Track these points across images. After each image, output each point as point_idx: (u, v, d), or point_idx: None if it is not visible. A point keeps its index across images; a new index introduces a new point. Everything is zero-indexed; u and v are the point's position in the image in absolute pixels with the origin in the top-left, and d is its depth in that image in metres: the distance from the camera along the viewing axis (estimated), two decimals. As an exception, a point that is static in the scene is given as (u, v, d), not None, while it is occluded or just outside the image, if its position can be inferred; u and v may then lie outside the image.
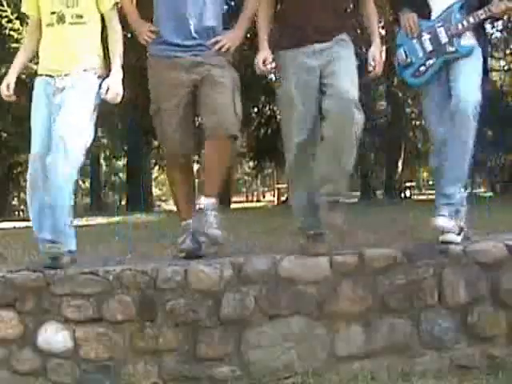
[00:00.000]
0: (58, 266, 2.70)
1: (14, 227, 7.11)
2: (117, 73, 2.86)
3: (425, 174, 27.57)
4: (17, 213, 21.13)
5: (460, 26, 2.92)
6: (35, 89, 2.90)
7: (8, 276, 2.66)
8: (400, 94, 14.16)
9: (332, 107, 2.68)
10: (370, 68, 2.88)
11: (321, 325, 2.65)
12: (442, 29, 2.95)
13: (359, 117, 2.67)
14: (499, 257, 2.73)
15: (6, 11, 8.86)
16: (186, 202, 3.05)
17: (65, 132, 2.70)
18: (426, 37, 2.98)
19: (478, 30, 2.98)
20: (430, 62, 2.97)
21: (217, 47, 2.91)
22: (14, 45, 9.03)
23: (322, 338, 2.64)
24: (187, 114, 2.96)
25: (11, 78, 2.93)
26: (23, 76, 10.10)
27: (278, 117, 13.91)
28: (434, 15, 2.99)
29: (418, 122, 16.51)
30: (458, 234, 2.90)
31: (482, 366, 2.65)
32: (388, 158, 15.81)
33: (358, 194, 15.48)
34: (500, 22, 13.58)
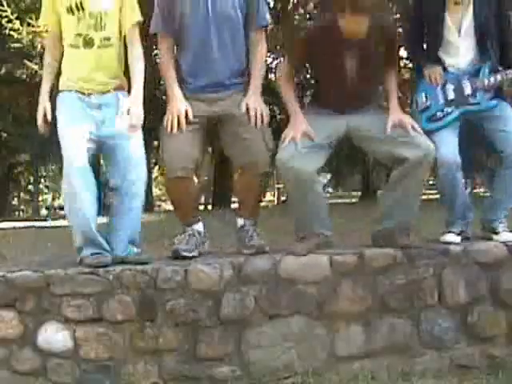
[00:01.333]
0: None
1: (14, 227, 7.11)
2: (138, 95, 2.81)
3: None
4: (17, 213, 21.13)
5: (486, 82, 2.91)
6: (65, 100, 2.80)
7: (8, 276, 2.66)
8: (400, 94, 14.16)
9: None
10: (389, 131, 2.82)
11: (321, 325, 2.65)
12: (467, 81, 2.94)
13: None
14: (499, 257, 2.73)
15: (6, 11, 8.84)
16: (189, 212, 2.99)
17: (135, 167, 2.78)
18: (449, 86, 2.96)
19: (497, 90, 2.95)
20: (449, 109, 2.94)
21: (252, 121, 2.87)
22: (14, 45, 9.03)
23: (322, 338, 2.64)
24: (198, 141, 2.89)
25: (46, 103, 2.83)
26: (23, 76, 10.13)
27: (278, 117, 13.93)
28: (451, 68, 2.97)
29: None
30: (459, 235, 2.91)
31: (482, 366, 2.66)
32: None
33: (359, 194, 15.47)
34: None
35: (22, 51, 9.16)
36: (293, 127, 2.85)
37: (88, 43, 2.77)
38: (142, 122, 2.83)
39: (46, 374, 2.62)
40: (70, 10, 2.77)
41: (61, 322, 2.62)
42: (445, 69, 2.99)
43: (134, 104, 2.79)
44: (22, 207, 24.02)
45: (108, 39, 2.79)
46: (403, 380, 2.58)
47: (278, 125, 13.68)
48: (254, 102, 2.90)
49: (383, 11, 2.97)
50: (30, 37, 8.68)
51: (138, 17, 2.87)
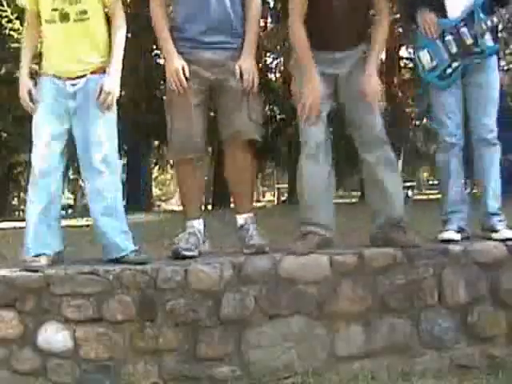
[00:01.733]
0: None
1: (14, 227, 7.10)
2: (114, 71, 2.81)
3: (425, 174, 27.56)
4: (17, 213, 21.11)
5: (484, 26, 2.89)
6: (42, 88, 2.83)
7: (8, 276, 2.66)
8: (400, 94, 14.15)
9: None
10: (366, 91, 2.84)
11: (321, 325, 2.65)
12: (465, 29, 2.91)
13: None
14: (499, 257, 2.73)
15: (6, 11, 8.85)
16: (194, 201, 2.99)
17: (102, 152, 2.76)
18: (449, 37, 2.94)
19: (494, 31, 2.97)
20: (455, 64, 2.93)
21: (245, 85, 2.85)
22: (14, 45, 9.02)
23: (322, 338, 2.64)
24: (201, 113, 2.87)
25: (28, 83, 2.86)
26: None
27: (278, 117, 13.92)
28: (450, 14, 2.95)
29: (418, 122, 16.51)
30: (458, 232, 2.91)
31: (482, 366, 2.66)
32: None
33: (358, 194, 15.47)
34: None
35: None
36: (311, 93, 2.80)
37: (64, 17, 2.75)
38: (115, 97, 2.80)
39: (46, 374, 2.62)
40: None
41: (61, 322, 2.61)
42: (438, 15, 2.95)
43: (106, 82, 2.78)
44: (22, 207, 23.99)
45: (84, 12, 2.76)
46: (403, 380, 2.57)
47: (278, 125, 13.67)
48: (249, 65, 2.88)
49: None
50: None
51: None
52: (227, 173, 3.01)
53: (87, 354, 2.60)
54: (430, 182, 23.87)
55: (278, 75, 13.80)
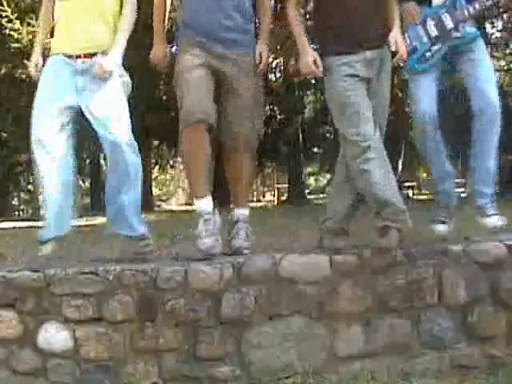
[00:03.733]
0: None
1: (14, 227, 7.11)
2: (115, 49, 2.82)
3: (425, 174, 27.57)
4: (17, 213, 21.11)
5: (466, 12, 2.90)
6: (50, 66, 2.82)
7: (8, 276, 2.66)
8: (400, 94, 14.15)
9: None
10: (393, 48, 2.80)
11: (321, 325, 2.65)
12: (446, 14, 2.93)
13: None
14: (499, 257, 2.73)
15: (6, 11, 8.85)
16: (202, 175, 2.91)
17: (112, 128, 2.77)
18: (430, 22, 2.96)
19: (479, 20, 2.98)
20: (435, 47, 2.95)
21: (261, 66, 2.94)
22: (14, 45, 9.03)
23: (322, 338, 2.64)
24: (209, 86, 2.85)
25: (38, 57, 2.88)
26: (23, 76, 10.12)
27: (278, 117, 13.93)
28: (436, 1, 2.97)
29: (417, 122, 16.48)
30: (443, 223, 3.00)
31: (482, 366, 2.66)
32: (388, 157, 15.79)
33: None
34: (500, 22, 13.61)
35: (22, 51, 9.16)
36: (305, 67, 2.79)
37: None
38: (113, 69, 2.81)
39: (46, 374, 2.62)
40: None
41: (61, 322, 2.61)
42: (421, 2, 2.97)
43: (105, 58, 2.78)
44: (22, 207, 24.02)
45: None
46: (403, 380, 2.57)
47: (278, 125, 13.63)
48: (266, 52, 3.00)
49: None
50: (30, 37, 8.68)
51: None
52: (226, 172, 3.03)
53: (87, 354, 2.60)
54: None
55: (278, 75, 13.81)
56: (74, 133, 2.87)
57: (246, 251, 2.90)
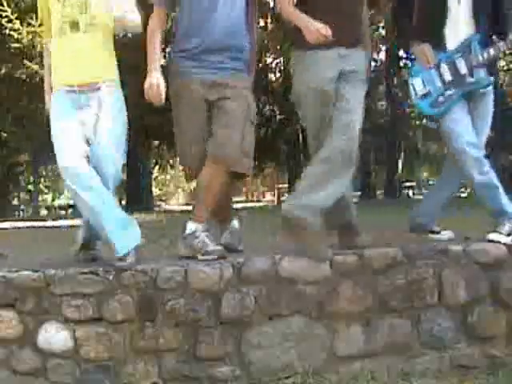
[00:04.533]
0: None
1: (14, 227, 7.11)
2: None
3: (425, 174, 27.59)
4: (17, 213, 21.12)
5: (480, 58, 2.90)
6: (56, 103, 2.81)
7: (8, 276, 2.66)
8: (400, 94, 14.16)
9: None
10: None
11: (321, 325, 2.65)
12: (461, 60, 2.92)
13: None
14: (499, 257, 2.73)
15: (6, 11, 8.85)
16: (211, 207, 2.87)
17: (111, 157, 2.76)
18: (444, 67, 2.95)
19: (492, 66, 2.98)
20: (449, 92, 2.93)
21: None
22: (14, 45, 9.03)
23: (322, 338, 2.64)
24: (205, 130, 2.86)
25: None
26: (23, 76, 10.12)
27: (278, 117, 13.93)
28: (450, 46, 2.96)
29: (417, 122, 16.52)
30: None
31: (482, 366, 2.66)
32: (388, 157, 15.82)
33: (358, 193, 15.48)
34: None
35: (22, 51, 9.16)
36: (312, 28, 2.69)
37: (73, 26, 2.75)
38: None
39: (46, 374, 2.62)
40: None
41: (61, 322, 2.61)
42: (435, 46, 2.96)
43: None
44: (22, 207, 24.04)
45: (93, 25, 2.76)
46: (403, 380, 2.58)
47: (278, 125, 13.63)
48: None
49: None
50: (30, 37, 8.69)
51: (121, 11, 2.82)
52: (197, 183, 2.93)
53: (87, 354, 2.60)
54: (430, 182, 23.88)
55: (278, 75, 13.81)
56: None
57: (222, 253, 2.79)
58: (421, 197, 16.70)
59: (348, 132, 2.70)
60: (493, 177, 2.90)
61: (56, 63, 2.84)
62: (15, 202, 22.32)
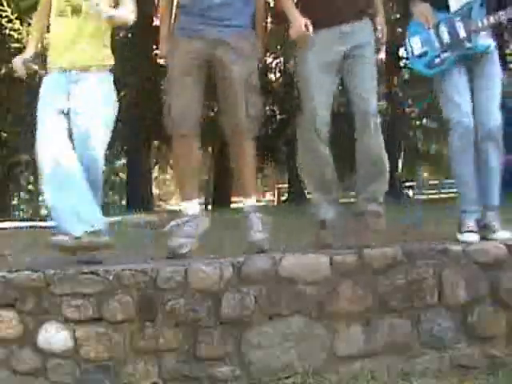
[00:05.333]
0: None
1: (14, 227, 7.11)
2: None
3: (425, 174, 27.56)
4: (17, 213, 21.11)
5: (480, 24, 2.88)
6: (47, 81, 2.87)
7: (8, 276, 2.65)
8: (400, 94, 14.16)
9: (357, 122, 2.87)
10: (379, 35, 2.91)
11: (321, 325, 2.65)
12: (460, 23, 2.90)
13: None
14: (499, 257, 2.73)
15: (6, 11, 8.86)
16: (190, 179, 3.04)
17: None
18: (443, 29, 2.93)
19: (496, 31, 2.96)
20: (446, 54, 2.92)
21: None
22: (14, 45, 9.03)
23: (322, 338, 2.64)
24: (199, 90, 2.92)
25: (26, 55, 2.95)
26: (23, 76, 10.09)
27: (278, 117, 13.92)
28: (452, 8, 2.94)
29: (418, 122, 16.52)
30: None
31: (482, 366, 2.66)
32: (388, 157, 15.80)
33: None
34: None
35: (22, 51, 9.15)
36: (296, 23, 2.81)
37: (75, 11, 2.77)
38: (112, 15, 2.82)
39: (46, 374, 2.61)
40: None
41: (61, 322, 2.61)
42: (436, 7, 2.96)
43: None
44: (22, 207, 24.03)
45: (97, 5, 2.75)
46: (403, 380, 2.57)
47: (278, 125, 13.62)
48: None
49: None
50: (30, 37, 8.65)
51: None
52: (231, 162, 3.10)
53: (87, 354, 2.60)
54: (430, 182, 23.86)
55: (278, 75, 13.81)
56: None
57: (265, 246, 2.89)
58: (421, 197, 16.72)
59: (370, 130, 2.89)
60: None
61: (53, 43, 2.88)
62: (15, 201, 22.30)
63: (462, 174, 2.98)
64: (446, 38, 2.94)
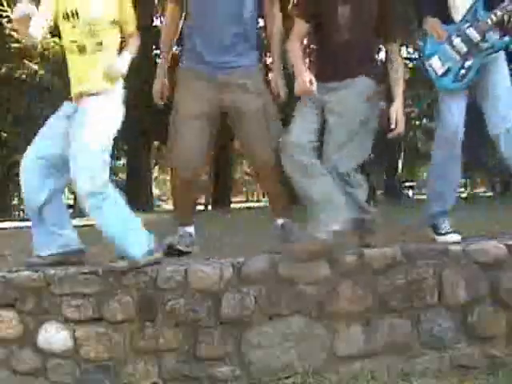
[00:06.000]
0: None
1: (14, 227, 7.11)
2: (124, 55, 2.86)
3: (425, 174, 27.59)
4: (17, 213, 21.11)
5: (489, 21, 2.86)
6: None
7: (8, 276, 2.66)
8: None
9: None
10: (393, 126, 2.90)
11: (321, 325, 2.65)
12: (470, 28, 2.89)
13: None
14: (499, 257, 2.73)
15: (6, 11, 8.85)
16: (189, 210, 3.09)
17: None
18: (456, 39, 2.91)
19: (502, 24, 2.94)
20: (469, 63, 2.90)
21: (281, 96, 2.98)
22: (14, 45, 9.03)
23: (322, 338, 2.64)
24: (204, 130, 2.87)
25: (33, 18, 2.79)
26: (23, 76, 10.13)
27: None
28: (456, 18, 2.93)
29: (417, 122, 16.52)
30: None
31: (482, 366, 2.66)
32: (388, 157, 15.82)
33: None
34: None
35: (22, 51, 9.17)
36: (300, 86, 2.80)
37: (81, 50, 2.79)
38: (118, 75, 2.83)
39: (46, 374, 2.62)
40: (66, 17, 2.78)
41: (61, 322, 2.62)
42: (443, 20, 2.94)
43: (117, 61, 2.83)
44: (22, 207, 24.03)
45: (100, 44, 2.79)
46: (403, 380, 2.57)
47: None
48: (280, 80, 3.00)
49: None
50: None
51: (132, 27, 2.92)
52: (261, 187, 3.13)
53: (87, 354, 2.61)
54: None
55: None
56: None
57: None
58: (421, 197, 16.72)
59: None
60: None
61: (69, 75, 2.90)
62: (15, 201, 22.29)
63: (448, 174, 3.01)
64: (461, 47, 2.91)
